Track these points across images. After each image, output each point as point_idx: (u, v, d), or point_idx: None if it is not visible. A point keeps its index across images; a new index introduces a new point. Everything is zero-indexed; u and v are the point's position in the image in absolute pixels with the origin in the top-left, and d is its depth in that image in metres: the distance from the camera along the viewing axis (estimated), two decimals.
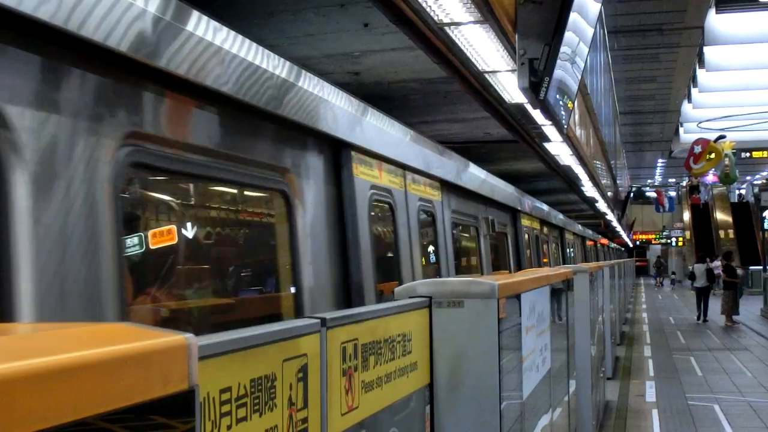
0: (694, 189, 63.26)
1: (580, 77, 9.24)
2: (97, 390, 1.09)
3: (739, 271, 33.34)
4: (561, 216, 21.15)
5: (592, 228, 37.16)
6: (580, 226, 28.85)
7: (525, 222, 14.36)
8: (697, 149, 34.70)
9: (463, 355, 3.75)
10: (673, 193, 72.52)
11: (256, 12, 6.65)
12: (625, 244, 70.24)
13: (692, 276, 33.85)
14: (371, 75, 8.73)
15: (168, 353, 1.25)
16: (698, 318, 29.92)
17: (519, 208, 13.52)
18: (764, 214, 37.18)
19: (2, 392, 0.98)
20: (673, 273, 66.70)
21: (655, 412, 12.72)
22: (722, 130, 36.21)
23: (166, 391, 1.23)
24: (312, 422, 2.48)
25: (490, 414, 3.74)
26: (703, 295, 30.32)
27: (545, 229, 18.11)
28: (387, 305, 3.42)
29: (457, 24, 5.93)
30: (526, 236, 14.65)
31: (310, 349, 2.47)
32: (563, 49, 6.77)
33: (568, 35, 6.88)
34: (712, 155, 34.47)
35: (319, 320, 2.57)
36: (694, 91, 36.34)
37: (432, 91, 9.59)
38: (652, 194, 70.36)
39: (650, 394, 14.27)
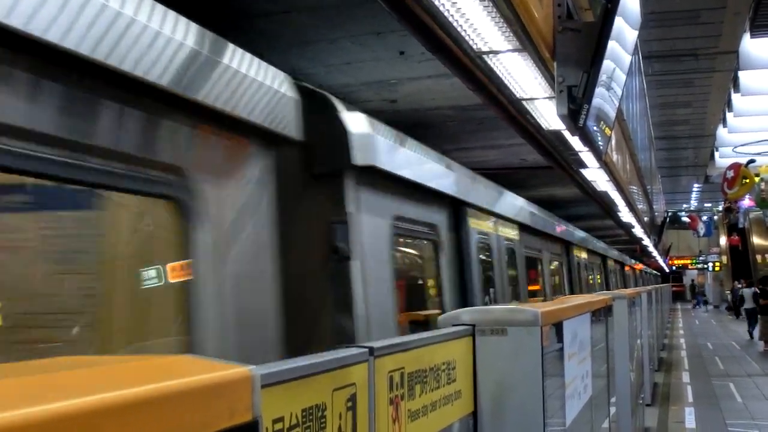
0: (732, 228, 62.58)
1: (617, 104, 9.22)
2: (170, 422, 1.11)
3: None
4: (601, 244, 23.86)
5: (627, 253, 37.00)
6: (616, 251, 29.60)
7: (575, 252, 17.80)
8: (730, 174, 34.50)
9: (506, 383, 3.74)
10: (714, 217, 71.95)
11: (293, 41, 6.69)
12: (660, 269, 69.75)
13: (741, 299, 38.53)
14: (407, 102, 8.75)
15: (234, 385, 1.27)
16: (751, 336, 33.84)
17: (571, 241, 16.81)
18: None
19: (75, 426, 1.00)
20: (698, 294, 74.29)
21: None
22: (758, 154, 35.93)
23: (232, 423, 1.25)
24: None
25: None
26: (752, 317, 34.44)
27: (591, 257, 21.52)
28: (432, 333, 3.43)
29: (496, 52, 5.94)
30: (577, 264, 17.90)
31: (358, 378, 2.48)
32: (601, 76, 6.77)
33: (606, 63, 6.87)
34: (747, 180, 34.24)
35: (367, 349, 2.57)
36: (729, 115, 36.11)
37: (468, 118, 9.59)
38: (688, 219, 69.87)
39: (690, 421, 14.12)
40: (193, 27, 3.35)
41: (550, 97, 7.15)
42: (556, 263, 15.44)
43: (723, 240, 68.13)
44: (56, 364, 1.45)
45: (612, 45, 7.07)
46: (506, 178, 12.24)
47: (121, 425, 1.05)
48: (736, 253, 61.81)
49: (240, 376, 1.30)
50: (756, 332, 32.34)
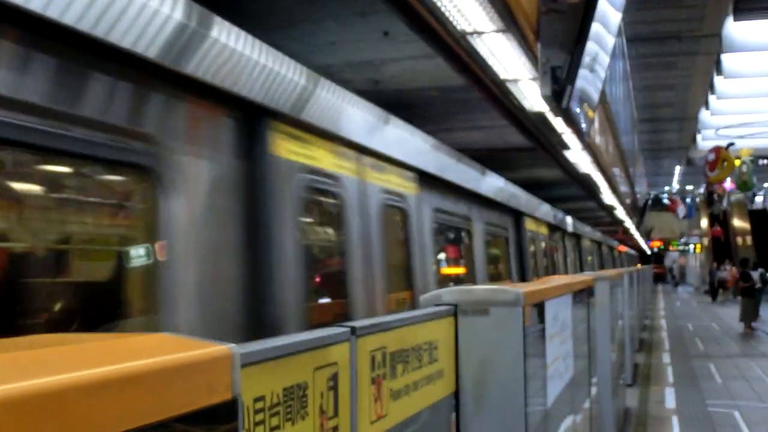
0: (714, 218, 62.88)
1: (601, 86, 9.24)
2: (147, 401, 1.11)
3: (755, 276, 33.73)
4: (598, 234, 29.40)
5: (608, 235, 37.26)
6: (609, 239, 30.76)
7: (583, 242, 23.50)
8: (711, 157, 34.63)
9: (488, 363, 3.75)
10: (696, 199, 72.26)
11: (277, 21, 6.67)
12: (641, 250, 69.95)
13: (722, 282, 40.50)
14: (391, 83, 8.74)
15: (214, 363, 1.27)
16: None
17: (579, 233, 21.93)
18: None
19: (54, 403, 0.99)
20: (674, 277, 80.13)
21: (675, 419, 12.67)
22: (740, 137, 36.07)
23: (211, 401, 1.25)
24: (342, 431, 2.49)
25: (515, 422, 3.74)
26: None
27: (591, 244, 27.05)
28: (414, 313, 3.43)
29: (480, 33, 5.94)
30: (583, 251, 23.79)
31: (340, 358, 2.48)
32: (585, 58, 6.78)
33: (590, 45, 6.88)
34: (727, 163, 34.39)
35: (349, 329, 2.57)
36: (711, 98, 36.25)
37: (451, 99, 9.59)
38: (668, 202, 70.14)
39: (670, 401, 14.20)
40: None
41: (533, 79, 7.16)
42: (569, 250, 20.46)
43: (704, 222, 68.36)
44: (38, 341, 1.44)
45: (596, 27, 7.07)
46: (490, 159, 12.24)
47: (98, 403, 1.05)
48: (718, 237, 62.09)
49: (220, 354, 1.29)
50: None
